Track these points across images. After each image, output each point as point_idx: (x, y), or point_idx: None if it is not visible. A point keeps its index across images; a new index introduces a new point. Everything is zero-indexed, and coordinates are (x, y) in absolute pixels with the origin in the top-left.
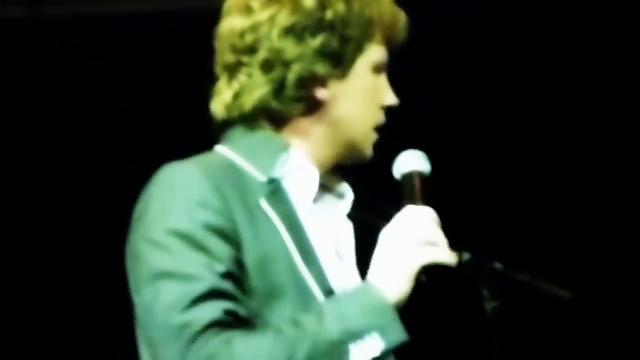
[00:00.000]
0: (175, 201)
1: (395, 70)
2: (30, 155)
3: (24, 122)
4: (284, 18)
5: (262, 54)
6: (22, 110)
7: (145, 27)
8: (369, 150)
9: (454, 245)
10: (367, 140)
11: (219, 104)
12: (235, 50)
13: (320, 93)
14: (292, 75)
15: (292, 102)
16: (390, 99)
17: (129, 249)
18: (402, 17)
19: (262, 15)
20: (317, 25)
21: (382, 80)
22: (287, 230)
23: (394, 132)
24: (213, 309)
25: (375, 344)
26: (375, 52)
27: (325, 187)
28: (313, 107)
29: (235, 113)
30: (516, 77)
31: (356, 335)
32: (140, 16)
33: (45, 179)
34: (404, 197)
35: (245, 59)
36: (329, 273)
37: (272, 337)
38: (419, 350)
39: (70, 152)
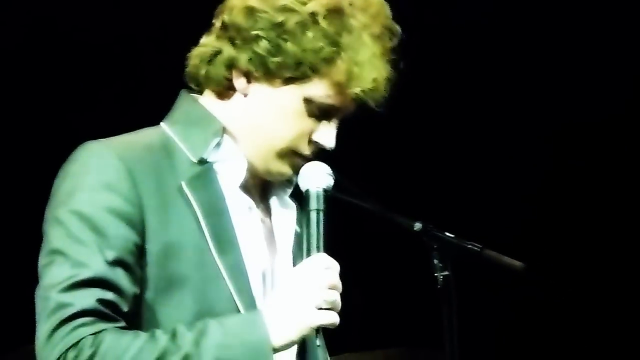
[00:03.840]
0: (84, 182)
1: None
2: None
3: None
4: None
5: (225, 18)
6: None
7: None
8: (279, 168)
9: (406, 214)
10: (275, 155)
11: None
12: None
13: (239, 81)
14: (227, 52)
15: (214, 75)
16: (322, 139)
17: (44, 223)
18: (379, 89)
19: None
20: (274, 28)
21: (321, 117)
22: (205, 217)
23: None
24: (89, 297)
25: None
26: (316, 89)
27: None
28: (231, 91)
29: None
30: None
31: None
32: None
33: None
34: (310, 225)
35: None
36: (252, 260)
37: (143, 342)
38: (371, 319)
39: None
